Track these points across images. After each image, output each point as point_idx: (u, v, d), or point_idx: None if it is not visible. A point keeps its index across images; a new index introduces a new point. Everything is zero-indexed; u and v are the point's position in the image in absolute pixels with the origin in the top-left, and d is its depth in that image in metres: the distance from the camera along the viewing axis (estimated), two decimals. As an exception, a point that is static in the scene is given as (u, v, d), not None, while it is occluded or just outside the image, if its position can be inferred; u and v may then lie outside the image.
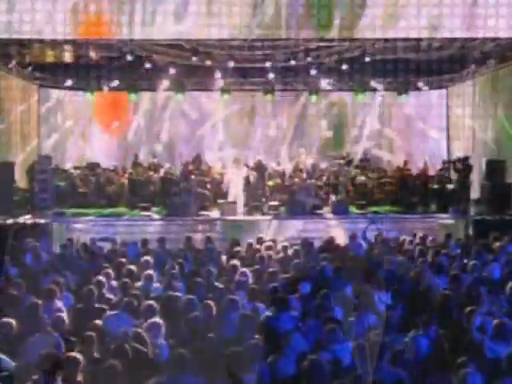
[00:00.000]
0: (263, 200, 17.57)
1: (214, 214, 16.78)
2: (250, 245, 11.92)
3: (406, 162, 19.72)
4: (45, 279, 8.89)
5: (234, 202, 16.83)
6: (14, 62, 17.35)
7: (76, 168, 19.68)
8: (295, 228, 15.63)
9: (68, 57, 18.94)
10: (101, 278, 8.46)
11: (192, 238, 12.77)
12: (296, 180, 18.43)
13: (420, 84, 20.23)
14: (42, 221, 15.13)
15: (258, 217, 16.45)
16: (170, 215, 16.36)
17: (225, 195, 17.50)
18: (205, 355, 5.88)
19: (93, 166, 19.65)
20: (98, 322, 6.95)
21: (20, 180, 18.03)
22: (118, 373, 5.22)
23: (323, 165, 20.09)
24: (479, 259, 9.93)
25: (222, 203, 16.80)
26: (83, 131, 21.76)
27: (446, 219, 16.00)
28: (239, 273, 8.98)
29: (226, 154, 20.92)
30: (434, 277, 9.02)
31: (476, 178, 17.78)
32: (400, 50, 17.58)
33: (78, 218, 16.10)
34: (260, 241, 12.38)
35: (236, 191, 17.19)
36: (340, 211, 16.46)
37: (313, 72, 18.52)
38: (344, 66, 18.27)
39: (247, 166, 18.46)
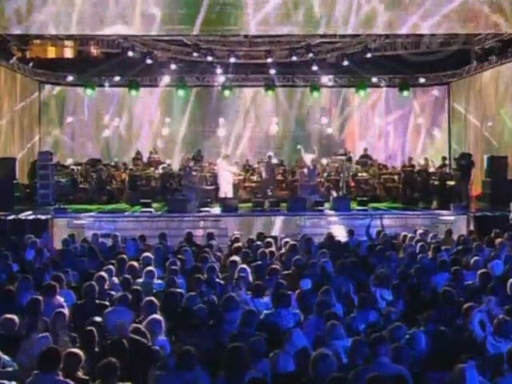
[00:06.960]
0: (267, 196, 17.52)
1: (215, 210, 16.77)
2: (251, 241, 11.91)
3: (409, 159, 19.69)
4: (46, 275, 8.89)
5: (235, 198, 16.79)
6: (14, 58, 17.33)
7: (77, 164, 19.67)
8: (296, 224, 15.61)
9: (69, 53, 18.91)
10: (102, 274, 8.46)
11: (193, 234, 12.76)
12: (297, 176, 18.39)
13: (421, 80, 20.19)
14: (43, 217, 15.11)
15: (259, 213, 16.42)
16: (170, 211, 16.33)
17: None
18: (206, 351, 5.88)
19: (94, 162, 19.64)
20: (99, 317, 6.96)
21: (21, 176, 18.03)
22: (118, 369, 5.21)
23: (324, 161, 20.05)
24: (480, 255, 9.92)
25: (223, 199, 16.79)
26: (84, 127, 21.73)
27: (448, 215, 15.97)
28: (240, 269, 8.96)
29: (228, 150, 20.90)
30: (435, 273, 9.01)
31: (477, 175, 17.75)
32: (401, 46, 17.54)
33: (79, 214, 16.07)
34: (261, 237, 12.37)
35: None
36: (341, 207, 16.42)
37: (314, 68, 18.50)
38: (345, 62, 18.23)
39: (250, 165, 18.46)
